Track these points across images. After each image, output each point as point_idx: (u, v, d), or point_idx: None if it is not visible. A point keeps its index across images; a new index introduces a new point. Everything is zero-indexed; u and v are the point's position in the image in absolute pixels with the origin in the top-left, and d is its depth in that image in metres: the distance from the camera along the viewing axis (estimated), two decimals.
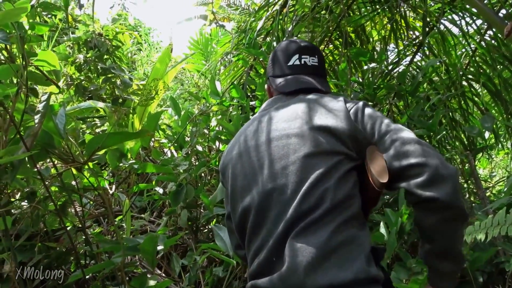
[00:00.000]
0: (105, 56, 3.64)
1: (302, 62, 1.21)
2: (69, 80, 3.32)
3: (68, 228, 1.41)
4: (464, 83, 3.25)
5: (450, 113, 3.31)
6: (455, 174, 0.94)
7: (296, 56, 1.22)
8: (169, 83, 3.09)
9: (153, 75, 2.92)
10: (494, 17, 1.42)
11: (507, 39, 1.36)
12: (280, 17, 2.84)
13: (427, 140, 3.16)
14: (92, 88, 3.39)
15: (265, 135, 1.09)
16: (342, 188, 0.98)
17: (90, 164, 1.44)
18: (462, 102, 3.21)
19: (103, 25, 3.69)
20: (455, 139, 3.40)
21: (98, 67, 3.50)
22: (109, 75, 3.58)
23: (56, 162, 1.43)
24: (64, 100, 3.43)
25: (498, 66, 3.09)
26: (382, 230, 1.87)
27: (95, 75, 3.50)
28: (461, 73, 3.12)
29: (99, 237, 1.68)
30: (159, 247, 1.30)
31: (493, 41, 2.95)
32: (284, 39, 1.36)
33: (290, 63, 1.22)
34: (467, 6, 2.76)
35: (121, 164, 1.52)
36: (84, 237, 1.63)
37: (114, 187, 1.58)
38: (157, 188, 2.70)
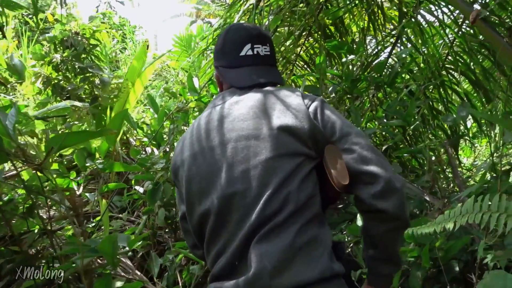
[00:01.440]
0: (83, 55, 3.58)
1: (255, 52, 1.15)
2: (42, 78, 3.25)
3: (34, 231, 1.38)
4: (444, 72, 3.26)
5: (431, 103, 3.32)
6: (403, 187, 0.99)
7: (248, 46, 1.15)
8: (147, 80, 3.04)
9: (130, 72, 2.88)
10: (463, 5, 1.41)
11: (474, 25, 1.34)
12: (257, 11, 2.81)
13: (409, 132, 3.17)
14: (69, 88, 3.34)
15: (220, 136, 1.05)
16: (304, 189, 0.97)
17: (55, 165, 1.40)
18: (442, 91, 3.22)
19: (80, 23, 3.63)
20: (438, 128, 3.41)
21: (76, 66, 3.44)
22: (87, 74, 3.53)
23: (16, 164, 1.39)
24: (42, 101, 3.37)
25: (479, 56, 3.10)
26: (359, 222, 1.86)
27: (73, 74, 3.45)
28: (441, 63, 3.12)
29: (72, 239, 1.65)
30: (125, 248, 1.27)
31: (472, 31, 2.95)
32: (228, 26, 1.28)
33: (242, 53, 1.15)
34: None
35: (87, 164, 1.48)
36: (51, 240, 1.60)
37: (82, 187, 1.54)
38: (137, 187, 2.66)
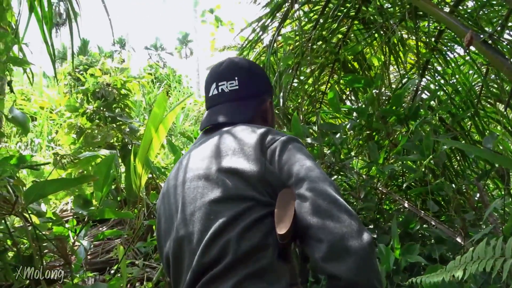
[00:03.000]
0: (114, 105, 3.75)
1: (220, 91, 1.12)
2: (75, 129, 3.42)
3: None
4: (483, 102, 3.06)
5: (468, 135, 3.09)
6: (363, 247, 0.76)
7: (214, 86, 1.13)
8: (169, 125, 3.11)
9: (151, 119, 2.96)
10: (461, 28, 1.31)
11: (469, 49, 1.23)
12: (273, 50, 2.83)
13: (430, 166, 2.93)
14: (99, 136, 3.48)
15: (183, 175, 1.00)
16: (248, 238, 0.84)
17: (49, 213, 1.42)
18: (479, 122, 2.99)
19: (112, 75, 3.84)
20: (483, 160, 3.14)
21: (106, 115, 3.61)
22: (118, 123, 3.68)
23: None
24: (75, 150, 3.53)
25: None
26: None
27: (103, 123, 3.61)
28: (473, 93, 2.93)
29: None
30: None
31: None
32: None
33: (210, 93, 1.14)
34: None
35: (79, 212, 1.49)
36: None
37: (76, 235, 1.54)
38: None
